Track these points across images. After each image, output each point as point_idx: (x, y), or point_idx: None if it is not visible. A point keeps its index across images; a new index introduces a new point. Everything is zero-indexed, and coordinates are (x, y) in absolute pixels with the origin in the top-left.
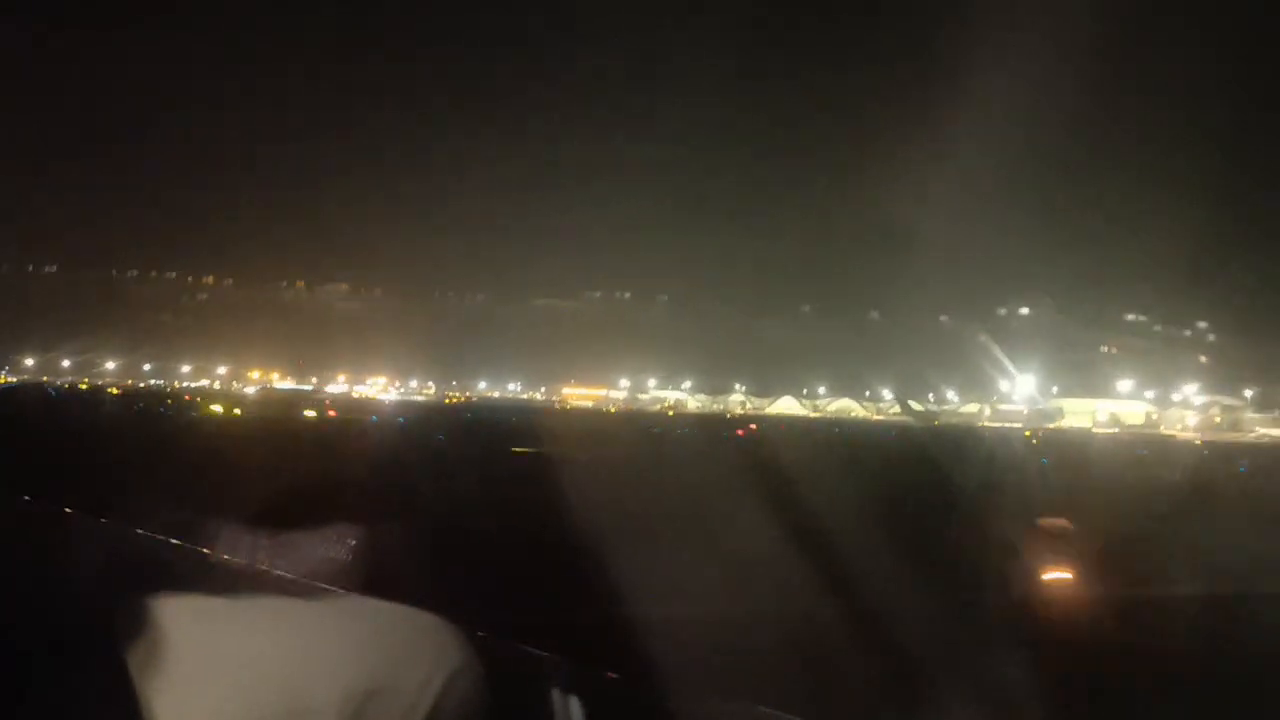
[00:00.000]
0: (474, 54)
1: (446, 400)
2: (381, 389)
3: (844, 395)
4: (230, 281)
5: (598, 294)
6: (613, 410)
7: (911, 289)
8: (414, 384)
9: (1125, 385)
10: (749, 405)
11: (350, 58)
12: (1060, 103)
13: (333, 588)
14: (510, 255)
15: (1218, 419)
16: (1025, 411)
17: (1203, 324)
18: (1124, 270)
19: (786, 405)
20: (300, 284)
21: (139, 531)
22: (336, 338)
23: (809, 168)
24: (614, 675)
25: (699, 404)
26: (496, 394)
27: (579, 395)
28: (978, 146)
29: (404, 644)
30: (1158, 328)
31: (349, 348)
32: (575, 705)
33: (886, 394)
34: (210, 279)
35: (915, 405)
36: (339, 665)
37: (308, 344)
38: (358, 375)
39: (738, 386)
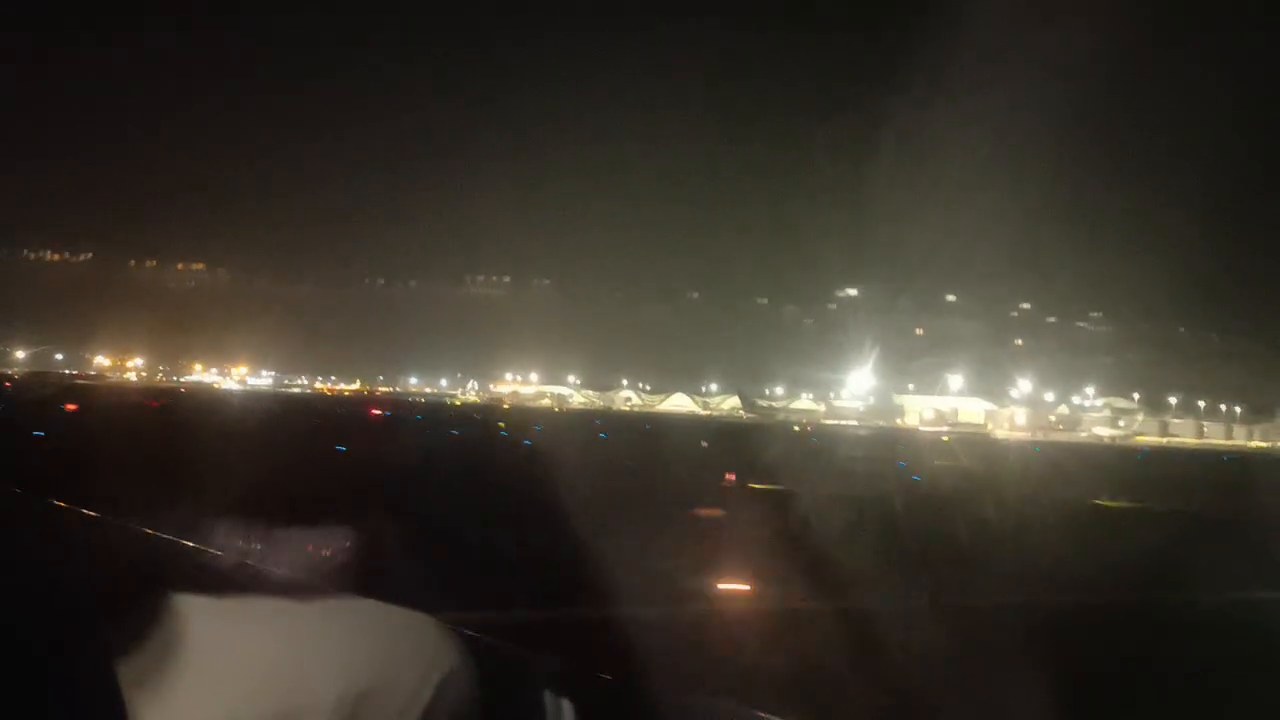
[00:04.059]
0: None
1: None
2: (238, 379)
3: (734, 391)
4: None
5: (480, 278)
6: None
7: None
8: (270, 374)
9: (1001, 384)
10: (633, 402)
11: (233, 33)
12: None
13: (329, 588)
14: (378, 238)
15: (1053, 418)
16: (861, 408)
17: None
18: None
19: (678, 402)
20: (153, 263)
21: (134, 527)
22: (192, 322)
23: (693, 153)
24: (604, 675)
25: (585, 399)
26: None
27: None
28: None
29: (399, 644)
30: (1051, 320)
31: (202, 333)
32: (566, 705)
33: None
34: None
35: (759, 402)
36: (334, 665)
37: (162, 330)
38: (220, 364)
39: (624, 382)
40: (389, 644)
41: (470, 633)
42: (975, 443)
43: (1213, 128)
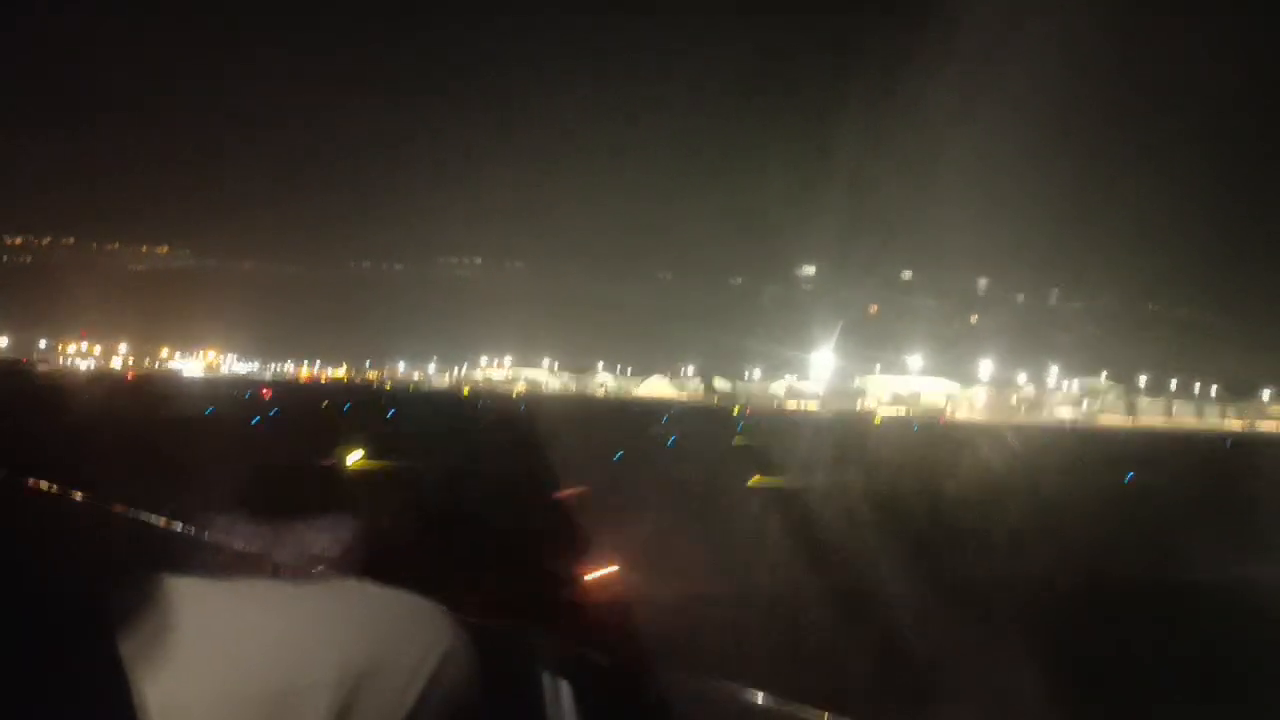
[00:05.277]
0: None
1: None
2: (208, 365)
3: (711, 374)
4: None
5: (454, 260)
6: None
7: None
8: (234, 357)
9: (970, 366)
10: (606, 388)
11: (207, 13)
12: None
13: (325, 571)
14: (357, 221)
15: (1014, 400)
16: (822, 392)
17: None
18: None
19: (657, 386)
20: (131, 247)
21: (129, 512)
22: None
23: (662, 132)
24: (604, 657)
25: (560, 384)
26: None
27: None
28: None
29: (396, 626)
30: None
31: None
32: (565, 687)
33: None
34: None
35: (717, 384)
36: (332, 647)
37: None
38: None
39: (600, 365)
40: (386, 625)
41: (466, 616)
42: (881, 425)
43: (1185, 101)
